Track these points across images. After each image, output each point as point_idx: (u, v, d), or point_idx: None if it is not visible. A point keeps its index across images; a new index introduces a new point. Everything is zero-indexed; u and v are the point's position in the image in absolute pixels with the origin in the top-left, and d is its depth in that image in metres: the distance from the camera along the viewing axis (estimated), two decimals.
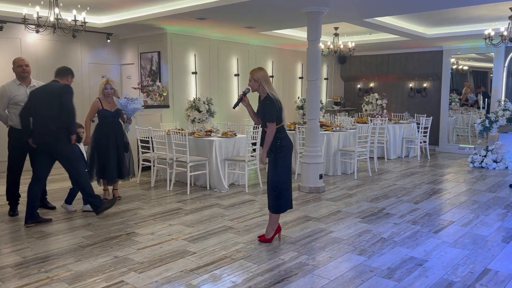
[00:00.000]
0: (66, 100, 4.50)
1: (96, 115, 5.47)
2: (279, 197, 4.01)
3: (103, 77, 8.67)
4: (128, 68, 9.07)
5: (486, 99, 10.52)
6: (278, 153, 3.94)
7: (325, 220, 4.90)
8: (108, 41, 8.81)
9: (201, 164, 6.35)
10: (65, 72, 4.81)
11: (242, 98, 3.93)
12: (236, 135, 6.68)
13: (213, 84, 9.10)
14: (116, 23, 7.67)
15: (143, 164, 6.97)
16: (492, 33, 7.19)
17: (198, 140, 6.50)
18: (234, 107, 4.00)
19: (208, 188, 6.39)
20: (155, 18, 7.03)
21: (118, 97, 5.50)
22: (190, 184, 6.49)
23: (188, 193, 6.12)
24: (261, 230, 4.48)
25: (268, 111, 3.86)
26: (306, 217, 5.03)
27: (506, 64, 9.64)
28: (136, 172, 6.70)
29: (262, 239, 4.17)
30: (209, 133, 6.67)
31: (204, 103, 7.02)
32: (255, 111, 4.04)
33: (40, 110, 4.48)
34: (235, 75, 9.57)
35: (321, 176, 6.26)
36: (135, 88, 8.18)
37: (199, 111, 6.98)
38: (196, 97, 7.26)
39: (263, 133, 3.97)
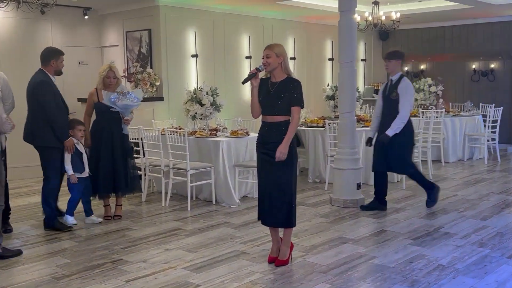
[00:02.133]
0: (40, 98, 4.96)
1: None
2: (293, 206, 4.16)
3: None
4: (111, 51, 9.17)
5: None
6: (293, 151, 4.09)
7: (365, 242, 4.87)
8: (86, 17, 8.92)
9: (204, 172, 6.36)
10: (45, 58, 5.17)
11: (255, 74, 4.05)
12: (249, 134, 6.69)
13: (218, 69, 9.13)
14: None
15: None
16: None
17: (201, 142, 6.52)
18: (244, 82, 4.12)
19: (214, 202, 6.42)
20: None
21: (121, 90, 5.58)
22: (191, 197, 6.52)
23: (189, 209, 6.15)
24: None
25: (302, 94, 4.07)
26: (340, 238, 5.00)
27: None
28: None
29: (279, 263, 4.23)
30: (215, 132, 6.69)
31: (207, 94, 7.05)
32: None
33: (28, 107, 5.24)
34: (247, 57, 9.59)
35: (359, 186, 6.23)
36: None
37: (202, 105, 7.01)
38: (197, 87, 7.30)
39: (271, 128, 4.06)
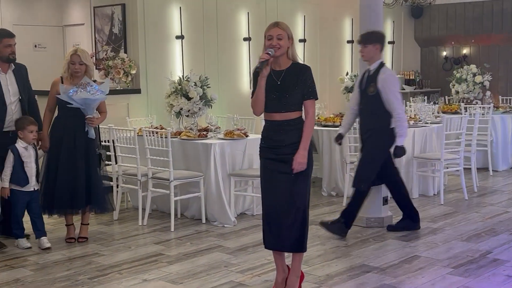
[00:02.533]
0: None
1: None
2: (306, 225, 4.15)
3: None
4: (75, 31, 9.18)
5: None
6: (309, 156, 4.07)
7: (393, 271, 4.86)
8: None
9: (192, 183, 6.37)
10: None
11: (267, 61, 3.94)
12: (247, 136, 6.69)
13: (210, 54, 9.13)
14: None
15: None
16: None
17: (188, 145, 6.52)
18: (257, 73, 4.00)
19: (203, 221, 6.41)
20: None
21: (91, 78, 5.62)
22: (176, 214, 6.51)
23: (173, 229, 6.14)
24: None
25: (314, 83, 4.09)
26: (363, 266, 5.00)
27: None
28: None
29: None
30: (205, 133, 6.69)
31: (195, 85, 7.05)
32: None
33: None
34: (245, 39, 9.60)
35: (386, 201, 6.24)
36: None
37: (188, 98, 7.01)
38: (183, 76, 7.30)
39: (282, 128, 4.04)
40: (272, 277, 4.66)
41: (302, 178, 4.07)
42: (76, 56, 5.55)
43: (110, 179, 6.64)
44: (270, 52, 3.96)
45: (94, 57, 8.42)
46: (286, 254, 4.32)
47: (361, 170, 5.77)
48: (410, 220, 6.04)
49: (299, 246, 4.14)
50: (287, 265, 4.35)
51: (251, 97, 4.13)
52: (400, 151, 5.62)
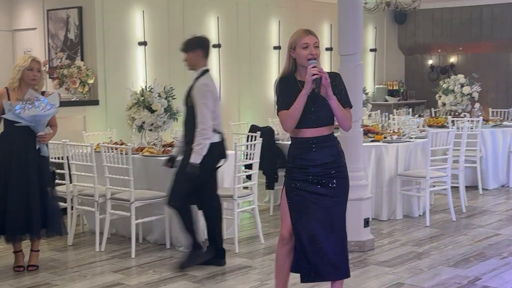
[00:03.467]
0: None
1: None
2: (347, 250, 4.16)
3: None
4: (25, 36, 9.10)
5: None
6: (346, 175, 4.12)
7: None
8: None
9: (155, 205, 6.34)
10: None
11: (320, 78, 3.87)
12: None
13: (175, 62, 9.08)
14: None
15: None
16: None
17: (151, 162, 6.51)
18: (318, 90, 3.88)
19: (168, 246, 6.38)
20: None
21: (31, 96, 5.55)
22: (137, 239, 6.47)
23: (133, 255, 6.09)
24: None
25: (346, 91, 4.14)
26: None
27: None
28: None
29: None
30: (170, 148, 6.67)
31: (159, 96, 7.05)
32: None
33: None
34: (215, 46, 9.60)
35: (367, 223, 6.25)
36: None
37: (152, 111, 7.00)
38: (145, 86, 7.29)
39: (318, 145, 4.00)
40: None
41: (340, 199, 4.07)
42: (36, 62, 5.55)
43: (64, 200, 6.57)
44: (315, 64, 3.90)
45: (47, 65, 8.36)
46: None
47: (172, 186, 5.67)
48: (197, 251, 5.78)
49: (342, 273, 4.13)
50: None
51: (279, 111, 4.02)
52: (192, 169, 5.44)
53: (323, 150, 4.01)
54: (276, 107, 4.05)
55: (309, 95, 3.90)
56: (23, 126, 5.48)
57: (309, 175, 4.03)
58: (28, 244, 5.78)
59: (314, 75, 3.82)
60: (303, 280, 4.16)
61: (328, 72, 3.98)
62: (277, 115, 4.05)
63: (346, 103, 4.04)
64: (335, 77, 4.06)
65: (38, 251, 5.82)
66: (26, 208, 5.52)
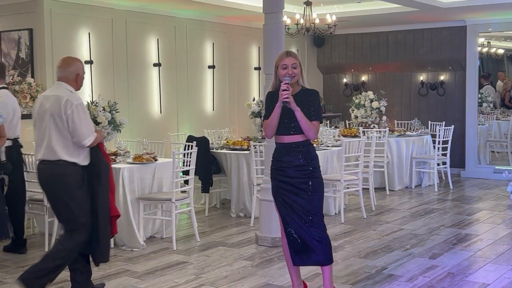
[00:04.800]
0: None
1: None
2: (327, 239, 4.29)
3: None
4: None
5: None
6: (321, 183, 4.36)
7: None
8: None
9: None
10: None
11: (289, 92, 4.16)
12: (156, 160, 6.66)
13: (119, 79, 8.95)
14: None
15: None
16: None
17: None
18: (286, 103, 4.13)
19: (112, 245, 6.18)
20: None
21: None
22: None
23: None
24: None
25: (320, 106, 4.34)
26: (267, 285, 5.00)
27: None
28: None
29: None
30: (114, 157, 6.59)
31: (104, 110, 6.91)
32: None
33: None
34: (155, 65, 9.47)
35: None
36: None
37: (97, 123, 6.85)
38: (91, 101, 7.14)
39: (291, 150, 4.24)
40: None
41: (315, 194, 4.25)
42: None
43: None
44: (288, 81, 4.15)
45: None
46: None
47: None
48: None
49: (325, 258, 4.24)
50: (303, 280, 4.53)
51: (263, 121, 4.40)
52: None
53: (298, 154, 4.24)
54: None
55: (287, 108, 4.14)
56: None
57: (287, 175, 4.25)
58: None
59: (284, 90, 4.10)
60: (294, 263, 4.36)
61: (308, 90, 4.30)
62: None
63: (316, 116, 4.24)
64: (312, 94, 4.30)
65: None
66: None
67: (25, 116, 7.84)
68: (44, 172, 4.56)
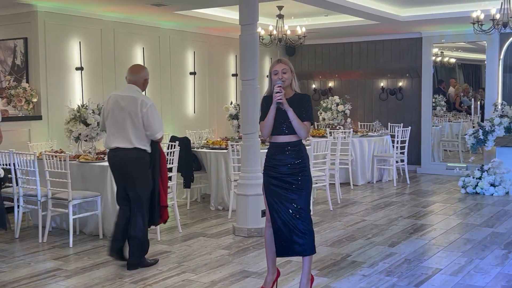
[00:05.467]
0: None
1: None
2: (312, 231, 4.29)
3: None
4: None
5: (479, 102, 11.26)
6: (310, 179, 4.31)
7: None
8: None
9: (90, 202, 6.22)
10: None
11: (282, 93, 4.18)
12: None
13: (108, 84, 8.94)
14: None
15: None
16: (481, 16, 7.75)
17: (86, 167, 6.38)
18: (280, 104, 4.18)
19: (101, 236, 6.25)
20: None
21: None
22: (74, 231, 6.30)
23: (71, 245, 5.94)
24: None
25: (312, 109, 4.34)
26: (243, 272, 5.03)
27: (501, 57, 10.41)
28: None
29: None
30: (102, 156, 6.56)
31: (93, 112, 6.89)
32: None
33: None
34: None
35: (264, 213, 6.29)
36: None
37: (87, 125, 6.83)
38: (82, 104, 7.11)
39: (284, 149, 4.24)
40: (164, 285, 4.59)
41: (303, 191, 4.23)
42: None
43: (11, 201, 6.34)
44: (280, 84, 4.17)
45: None
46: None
47: None
48: None
49: (308, 249, 4.25)
50: (277, 267, 4.50)
51: (259, 122, 4.35)
52: None
53: (291, 153, 4.25)
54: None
55: (280, 109, 4.17)
56: None
57: (279, 172, 4.25)
58: None
59: (277, 92, 4.14)
60: (277, 255, 4.36)
61: (300, 94, 4.31)
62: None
63: (307, 117, 4.26)
64: (304, 98, 4.30)
65: None
66: None
67: (21, 118, 7.85)
68: (119, 158, 5.12)
